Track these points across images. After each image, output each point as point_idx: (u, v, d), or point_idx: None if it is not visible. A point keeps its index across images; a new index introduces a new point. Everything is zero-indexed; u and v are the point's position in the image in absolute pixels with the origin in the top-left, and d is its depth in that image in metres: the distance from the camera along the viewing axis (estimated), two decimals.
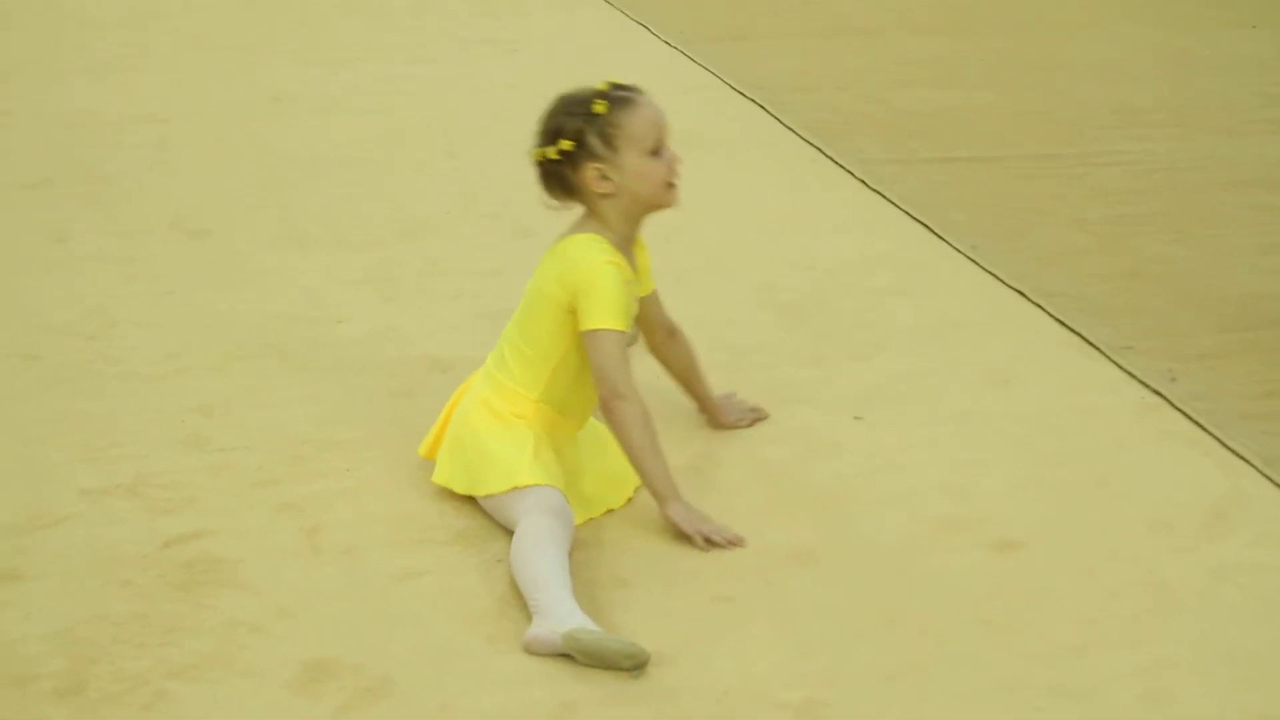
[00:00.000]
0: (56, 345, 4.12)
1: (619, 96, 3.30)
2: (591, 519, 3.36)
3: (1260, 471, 3.61)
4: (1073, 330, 4.29)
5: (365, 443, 3.65)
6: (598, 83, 3.33)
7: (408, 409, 3.77)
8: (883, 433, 3.75)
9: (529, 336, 3.36)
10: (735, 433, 3.73)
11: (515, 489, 3.24)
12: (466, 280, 4.54)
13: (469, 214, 5.05)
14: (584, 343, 3.29)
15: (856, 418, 3.81)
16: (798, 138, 5.87)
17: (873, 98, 6.47)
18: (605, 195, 3.31)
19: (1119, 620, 3.08)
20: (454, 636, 3.00)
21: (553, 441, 3.35)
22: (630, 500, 3.44)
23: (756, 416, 3.78)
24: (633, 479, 3.39)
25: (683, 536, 3.27)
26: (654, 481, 3.28)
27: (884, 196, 5.27)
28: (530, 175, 3.38)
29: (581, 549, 3.23)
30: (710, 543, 3.25)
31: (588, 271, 3.27)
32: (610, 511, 3.41)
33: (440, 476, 3.41)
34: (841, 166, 5.56)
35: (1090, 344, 4.21)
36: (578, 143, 3.28)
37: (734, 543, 3.27)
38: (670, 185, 3.33)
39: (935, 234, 4.95)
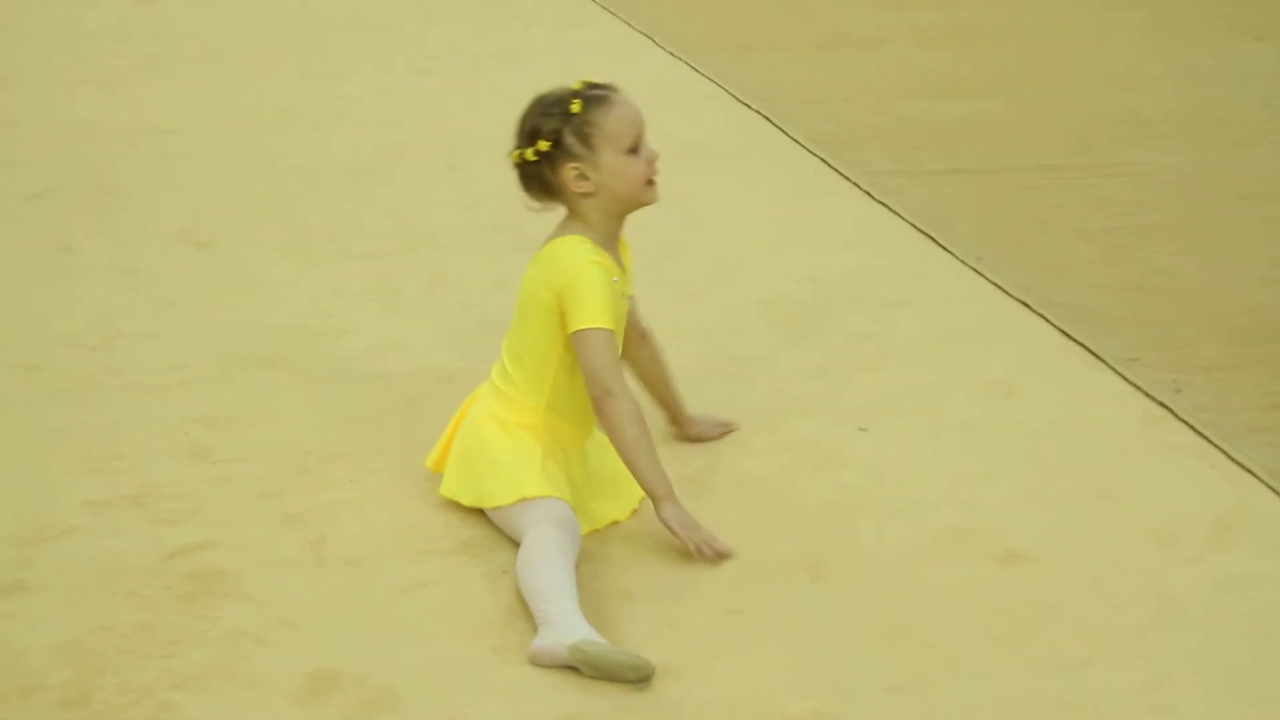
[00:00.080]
0: (60, 356, 4.12)
1: (595, 95, 3.29)
2: (596, 531, 3.36)
3: (1266, 484, 3.60)
4: (1077, 342, 4.29)
5: (369, 454, 3.65)
6: (573, 82, 3.32)
7: (412, 420, 3.77)
8: (887, 444, 3.75)
9: (525, 344, 3.36)
10: (739, 445, 3.72)
11: (522, 500, 3.24)
12: (470, 291, 4.55)
13: (473, 226, 5.06)
14: (573, 344, 3.28)
15: (861, 429, 3.81)
16: (802, 149, 5.88)
17: (878, 109, 6.47)
18: (585, 195, 3.30)
19: (1125, 633, 3.07)
20: (459, 648, 3.00)
21: (560, 453, 3.35)
22: (635, 512, 3.43)
23: (726, 430, 3.77)
24: (638, 491, 3.38)
25: (673, 538, 3.25)
26: (648, 480, 3.26)
27: (888, 208, 5.27)
28: None
29: (587, 561, 3.23)
30: (699, 552, 3.23)
31: (573, 273, 3.26)
32: (615, 524, 3.41)
33: (448, 489, 3.41)
34: (846, 178, 5.57)
35: (1095, 355, 4.21)
36: (555, 143, 3.27)
37: (721, 555, 3.25)
38: (650, 182, 3.32)
39: (940, 245, 4.95)
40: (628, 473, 3.30)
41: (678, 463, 3.54)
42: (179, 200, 5.26)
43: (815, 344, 4.27)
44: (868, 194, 5.40)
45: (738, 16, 8.06)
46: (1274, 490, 3.58)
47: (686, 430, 3.73)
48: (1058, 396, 4.01)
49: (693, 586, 3.19)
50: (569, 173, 3.28)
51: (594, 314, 3.25)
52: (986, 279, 4.69)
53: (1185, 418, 3.88)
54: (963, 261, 4.82)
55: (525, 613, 3.06)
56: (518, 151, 3.32)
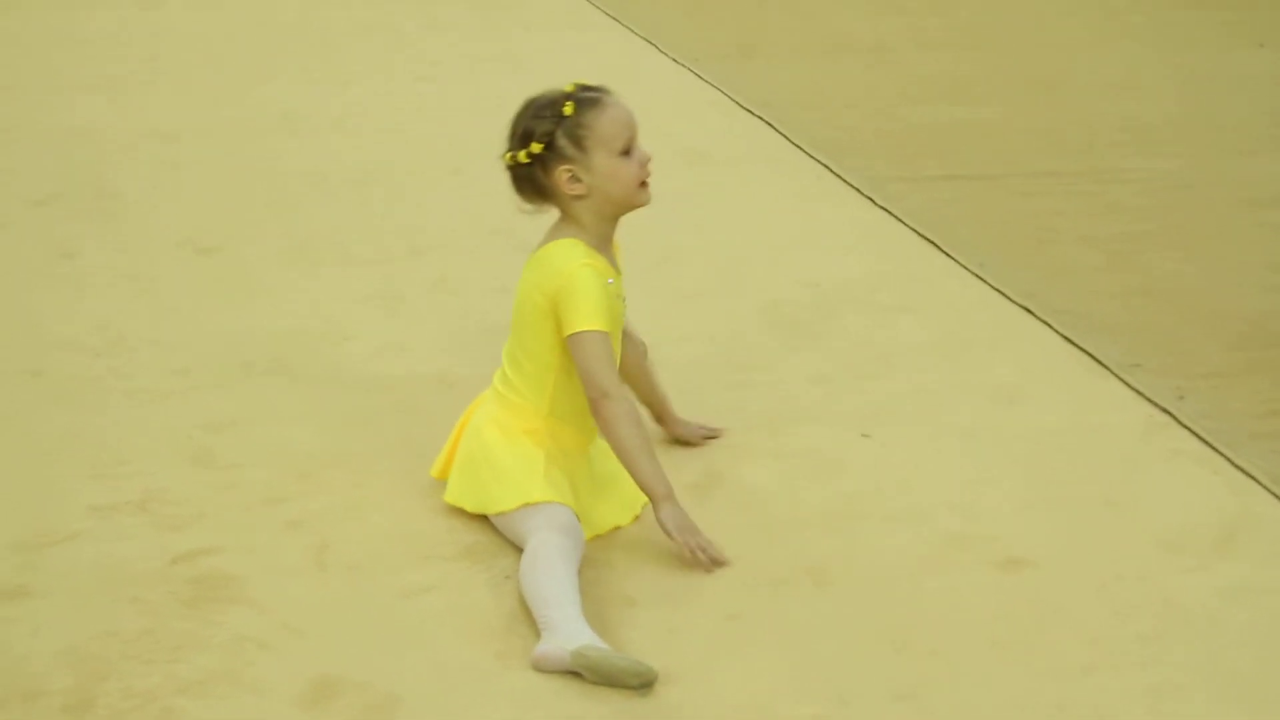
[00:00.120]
0: (64, 361, 4.12)
1: (587, 98, 3.29)
2: (599, 536, 3.36)
3: (1270, 491, 3.60)
4: (1081, 348, 4.29)
5: (373, 459, 3.65)
6: (565, 85, 3.32)
7: (415, 426, 3.77)
8: (890, 451, 3.75)
9: (524, 349, 3.36)
10: (741, 450, 3.72)
11: (525, 506, 3.24)
12: (472, 296, 4.55)
13: (475, 230, 5.06)
14: (568, 347, 3.28)
15: (863, 435, 3.81)
16: (805, 155, 5.88)
17: (880, 115, 6.48)
18: (578, 197, 3.30)
19: (1127, 640, 3.07)
20: (462, 653, 3.00)
21: (563, 458, 3.35)
22: (638, 518, 3.43)
23: (711, 435, 3.76)
24: (641, 497, 3.38)
25: (669, 540, 3.24)
26: (646, 480, 3.25)
27: (891, 214, 5.27)
28: None
29: (590, 567, 3.23)
30: (694, 556, 3.22)
31: (567, 276, 3.26)
32: (618, 529, 3.41)
33: (452, 496, 3.41)
34: (849, 183, 5.57)
35: (1098, 362, 4.21)
36: (548, 145, 3.27)
37: (717, 562, 3.24)
38: (643, 184, 3.32)
39: (942, 251, 4.95)
40: (630, 478, 3.31)
41: (679, 469, 3.54)
42: (182, 206, 5.27)
43: (817, 349, 4.27)
44: (870, 199, 5.40)
45: (740, 22, 8.06)
46: (1278, 497, 3.58)
47: (671, 430, 3.72)
48: (1060, 402, 4.01)
49: (695, 592, 3.19)
50: (561, 175, 3.28)
51: (588, 317, 3.25)
52: (989, 285, 4.69)
53: (1188, 424, 3.88)
54: (965, 267, 4.82)
55: (528, 618, 3.06)
56: (510, 154, 3.32)
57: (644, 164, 3.31)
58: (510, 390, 3.38)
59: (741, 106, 6.46)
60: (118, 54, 7.12)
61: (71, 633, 3.02)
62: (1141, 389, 4.06)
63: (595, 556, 3.28)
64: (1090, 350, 4.27)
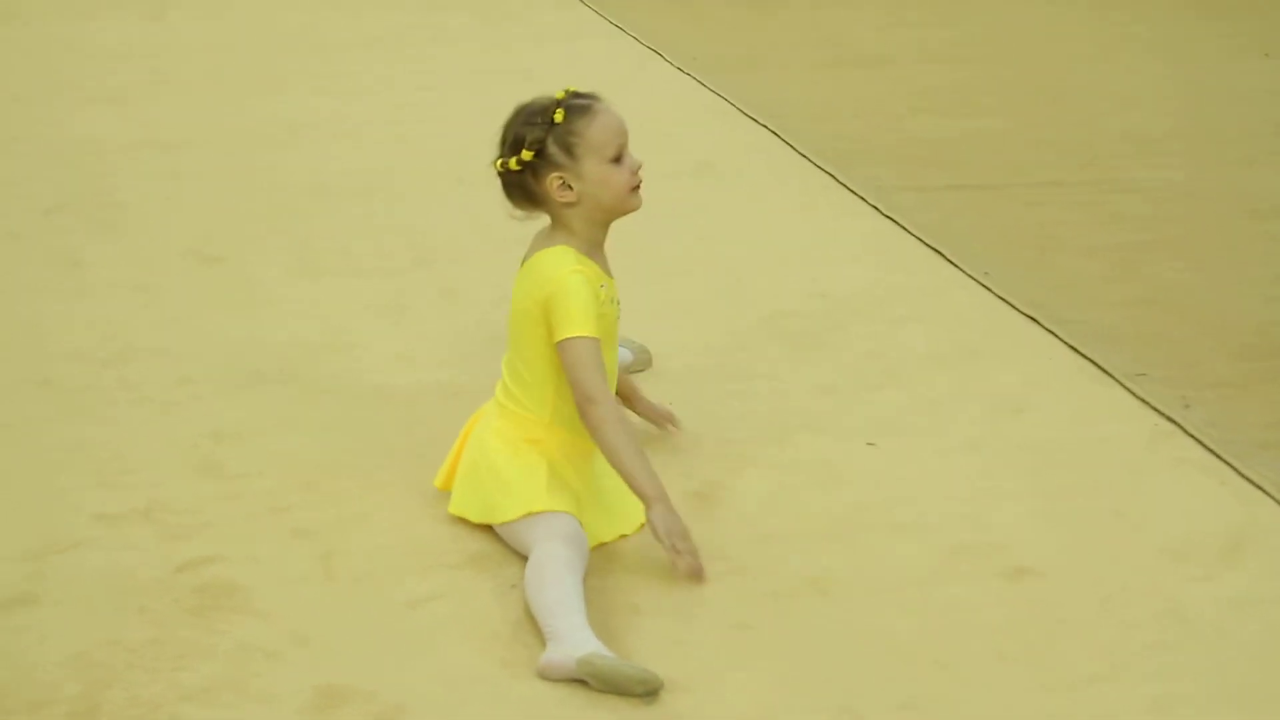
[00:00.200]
0: (70, 371, 4.13)
1: (578, 105, 3.30)
2: (604, 545, 3.36)
3: (1276, 500, 3.59)
4: (1086, 357, 4.28)
5: (378, 469, 3.65)
6: (556, 91, 3.33)
7: (420, 435, 3.77)
8: (896, 461, 3.75)
9: (523, 359, 3.36)
10: (747, 460, 3.71)
11: (530, 515, 3.24)
12: (478, 306, 4.55)
13: (480, 240, 5.05)
14: (558, 353, 3.28)
15: (869, 445, 3.81)
16: (811, 165, 5.88)
17: (886, 125, 6.48)
18: (569, 204, 3.31)
19: (1134, 651, 3.06)
20: (468, 662, 3.00)
21: (567, 467, 3.35)
22: (643, 527, 3.42)
23: (668, 420, 3.73)
24: None
25: (657, 541, 3.21)
26: (637, 481, 3.22)
27: (897, 223, 5.27)
28: None
29: (595, 575, 3.23)
30: (677, 556, 3.18)
31: (557, 283, 3.27)
32: (623, 538, 3.40)
33: (456, 507, 3.41)
34: (855, 193, 5.57)
35: (1104, 371, 4.21)
36: (538, 152, 3.28)
37: (694, 572, 3.20)
38: (634, 190, 3.32)
39: (949, 261, 4.95)
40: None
41: (684, 478, 3.54)
42: (187, 216, 5.27)
43: (824, 360, 4.26)
44: (876, 209, 5.40)
45: (747, 33, 8.06)
46: None
47: (633, 405, 3.69)
48: (1066, 412, 4.01)
49: (701, 602, 3.19)
50: (552, 182, 3.29)
51: (576, 323, 3.25)
52: (995, 294, 4.69)
53: (1195, 433, 3.88)
54: (971, 277, 4.82)
55: (534, 627, 3.06)
56: (501, 161, 3.33)
57: (635, 170, 3.32)
58: (511, 401, 3.38)
59: (748, 116, 6.46)
60: (122, 65, 7.12)
61: (78, 641, 3.02)
62: (1147, 398, 4.06)
63: (600, 565, 3.28)
64: (1096, 359, 4.26)
